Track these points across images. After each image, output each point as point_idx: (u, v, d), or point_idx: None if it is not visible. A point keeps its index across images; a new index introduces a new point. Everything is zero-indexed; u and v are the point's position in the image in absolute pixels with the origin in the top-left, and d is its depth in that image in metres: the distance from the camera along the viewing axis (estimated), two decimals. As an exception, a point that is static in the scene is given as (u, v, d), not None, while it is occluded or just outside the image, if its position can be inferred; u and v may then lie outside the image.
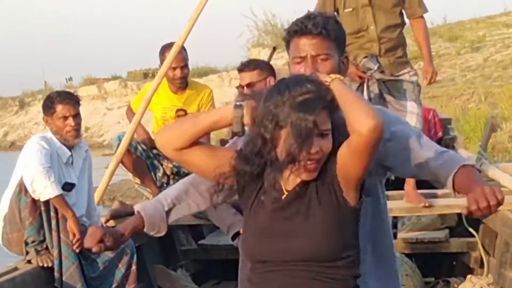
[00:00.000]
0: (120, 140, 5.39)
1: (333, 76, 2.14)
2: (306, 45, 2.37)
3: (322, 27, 2.35)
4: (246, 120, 2.21)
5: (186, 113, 5.54)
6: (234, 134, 2.39)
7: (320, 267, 2.10)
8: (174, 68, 5.45)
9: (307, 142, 2.05)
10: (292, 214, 2.14)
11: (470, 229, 5.27)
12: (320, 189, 2.13)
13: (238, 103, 2.23)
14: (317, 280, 2.10)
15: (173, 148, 2.26)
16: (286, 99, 2.07)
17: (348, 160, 2.05)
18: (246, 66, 4.08)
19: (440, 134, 7.16)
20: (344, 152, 2.06)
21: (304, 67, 2.37)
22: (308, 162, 2.08)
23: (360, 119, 1.98)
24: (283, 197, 2.17)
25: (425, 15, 5.26)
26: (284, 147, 2.07)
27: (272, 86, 2.18)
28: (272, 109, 2.08)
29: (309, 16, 2.40)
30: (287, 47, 2.45)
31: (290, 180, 2.17)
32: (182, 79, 5.50)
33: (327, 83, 2.12)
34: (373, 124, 1.96)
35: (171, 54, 5.34)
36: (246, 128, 2.25)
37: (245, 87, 4.01)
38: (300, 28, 2.38)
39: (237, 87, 4.19)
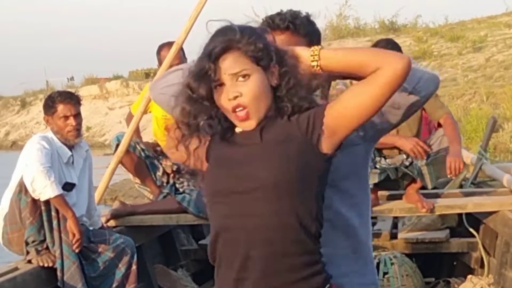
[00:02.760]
0: (119, 140, 5.40)
1: (316, 48, 2.05)
2: (275, 40, 2.35)
3: (289, 22, 2.34)
4: None
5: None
6: None
7: (278, 199, 1.92)
8: (171, 67, 5.45)
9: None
10: (248, 142, 2.01)
11: (471, 230, 5.26)
12: (284, 125, 2.00)
13: None
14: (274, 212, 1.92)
15: None
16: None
17: (366, 97, 1.95)
18: None
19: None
20: (362, 89, 1.96)
21: None
22: (237, 110, 1.98)
23: (391, 57, 1.95)
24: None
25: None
26: None
27: None
28: None
29: (279, 12, 2.39)
30: None
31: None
32: (179, 77, 5.48)
33: (315, 56, 2.03)
34: (408, 59, 1.95)
35: (171, 53, 5.34)
36: None
37: None
38: (268, 24, 2.37)
39: None
